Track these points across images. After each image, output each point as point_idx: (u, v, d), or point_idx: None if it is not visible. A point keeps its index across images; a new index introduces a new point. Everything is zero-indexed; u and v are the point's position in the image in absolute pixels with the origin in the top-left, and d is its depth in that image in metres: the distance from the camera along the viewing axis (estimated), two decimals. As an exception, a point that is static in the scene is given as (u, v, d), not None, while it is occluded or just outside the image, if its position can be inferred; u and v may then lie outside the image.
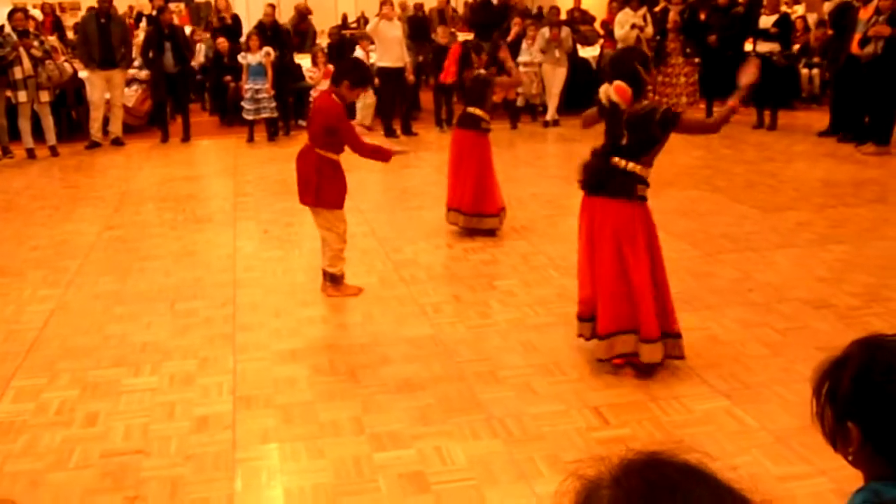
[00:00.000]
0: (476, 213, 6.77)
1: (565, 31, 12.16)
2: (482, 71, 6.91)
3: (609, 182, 4.13)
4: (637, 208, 4.14)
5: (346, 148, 5.38)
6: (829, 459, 2.83)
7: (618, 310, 4.16)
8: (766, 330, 4.86)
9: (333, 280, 5.57)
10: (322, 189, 5.35)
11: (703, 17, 12.16)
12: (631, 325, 4.16)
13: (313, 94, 11.50)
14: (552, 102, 12.34)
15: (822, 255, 6.23)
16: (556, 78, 12.19)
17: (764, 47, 11.37)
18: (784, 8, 12.08)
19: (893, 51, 9.57)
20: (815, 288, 5.53)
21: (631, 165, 4.10)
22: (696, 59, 12.17)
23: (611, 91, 4.11)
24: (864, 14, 9.99)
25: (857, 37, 9.95)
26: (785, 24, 11.60)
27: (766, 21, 11.50)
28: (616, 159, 4.12)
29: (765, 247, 6.43)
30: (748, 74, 4.27)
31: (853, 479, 1.50)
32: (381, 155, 5.50)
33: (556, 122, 12.34)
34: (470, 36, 14.50)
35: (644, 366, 4.22)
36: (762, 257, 6.18)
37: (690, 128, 4.27)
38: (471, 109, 6.80)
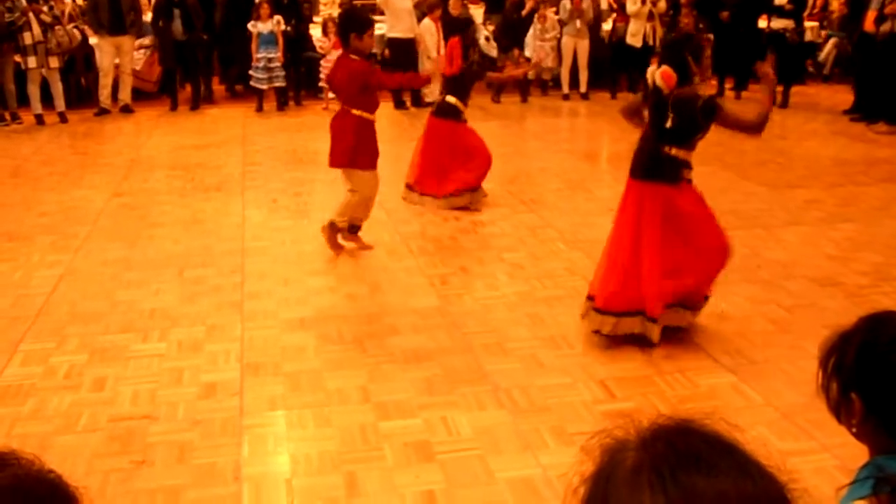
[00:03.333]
0: (445, 195, 6.93)
1: (587, 2, 12.06)
2: (474, 64, 7.06)
3: (658, 168, 4.20)
4: (682, 191, 4.24)
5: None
6: (833, 436, 2.84)
7: (665, 288, 4.24)
8: (773, 307, 4.85)
9: (332, 227, 5.66)
10: (359, 150, 5.45)
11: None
12: (676, 300, 4.29)
13: (324, 63, 11.44)
14: (582, 75, 12.24)
15: (830, 233, 6.21)
16: (581, 50, 12.07)
17: (778, 24, 11.29)
18: None
19: (908, 29, 9.48)
20: (823, 266, 5.52)
21: (675, 150, 4.17)
22: (709, 35, 12.05)
23: (657, 75, 4.17)
24: (880, -9, 9.89)
25: (872, 14, 9.85)
26: (799, 1, 11.50)
27: None
28: (664, 146, 4.18)
29: (774, 224, 6.41)
30: (766, 78, 4.31)
31: (857, 455, 1.50)
32: (417, 80, 6.08)
33: (585, 96, 12.28)
34: (481, 8, 14.39)
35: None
36: (771, 234, 6.16)
37: (731, 123, 4.23)
38: (449, 99, 6.84)
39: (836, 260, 5.65)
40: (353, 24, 5.43)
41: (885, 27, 9.61)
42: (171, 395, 3.96)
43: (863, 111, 10.42)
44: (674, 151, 4.18)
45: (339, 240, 5.75)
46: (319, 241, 5.87)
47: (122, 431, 3.65)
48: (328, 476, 3.32)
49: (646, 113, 4.38)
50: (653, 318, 4.24)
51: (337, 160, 5.56)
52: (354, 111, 5.43)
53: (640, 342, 4.36)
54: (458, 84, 6.89)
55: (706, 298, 4.45)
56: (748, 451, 0.91)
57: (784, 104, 11.38)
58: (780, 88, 11.45)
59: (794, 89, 11.67)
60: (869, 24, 9.88)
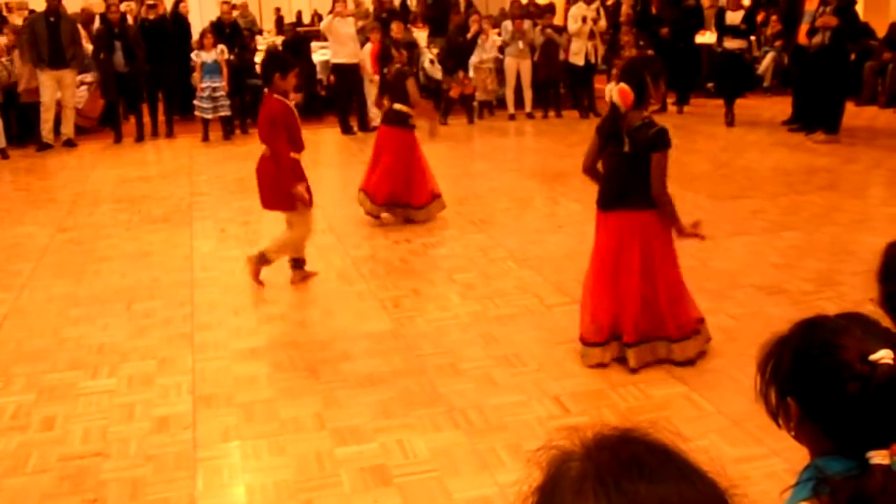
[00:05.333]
0: (398, 203, 7.02)
1: (528, 24, 12.23)
2: (399, 65, 7.02)
3: (626, 194, 4.15)
4: (655, 215, 4.19)
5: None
6: (781, 440, 2.88)
7: (648, 316, 4.23)
8: (721, 316, 4.93)
9: (261, 258, 5.60)
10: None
11: (654, 10, 12.29)
12: (662, 332, 4.25)
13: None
14: (526, 95, 12.36)
15: (774, 242, 6.34)
16: (524, 70, 12.22)
17: (732, 44, 11.29)
18: (746, 2, 12.02)
19: (840, 41, 9.75)
20: (768, 274, 5.63)
21: (639, 174, 4.10)
22: (649, 52, 12.29)
23: (614, 91, 4.09)
24: (810, 5, 10.17)
25: (805, 27, 10.13)
26: (751, 20, 11.55)
27: (732, 17, 11.32)
28: (625, 170, 4.13)
29: (719, 234, 6.51)
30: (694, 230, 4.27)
31: (806, 458, 1.53)
32: (290, 179, 5.38)
33: (530, 115, 12.41)
34: (425, 31, 14.51)
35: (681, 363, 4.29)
36: (717, 245, 6.25)
37: (658, 166, 4.09)
38: (396, 106, 6.89)
39: (780, 268, 5.76)
40: (276, 63, 5.49)
41: (817, 39, 9.88)
42: (123, 430, 3.89)
43: (801, 121, 10.67)
44: (634, 174, 4.12)
45: (260, 275, 5.64)
46: (270, 271, 5.82)
47: (74, 470, 3.57)
48: (285, 505, 3.29)
49: (599, 165, 4.33)
50: (627, 342, 4.23)
51: (273, 203, 5.53)
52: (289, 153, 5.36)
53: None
54: (394, 88, 6.95)
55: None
56: (690, 458, 0.93)
57: (731, 123, 11.32)
58: (722, 103, 11.69)
59: (735, 101, 11.88)
60: (802, 37, 10.15)
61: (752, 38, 12.61)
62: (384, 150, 6.99)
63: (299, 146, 5.47)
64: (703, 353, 4.38)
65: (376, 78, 11.30)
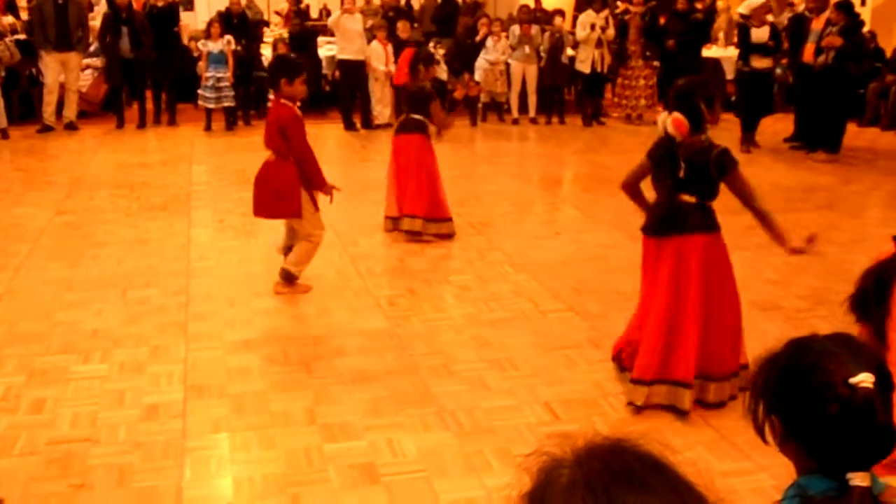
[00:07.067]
0: (433, 217, 6.65)
1: (535, 29, 12.25)
2: (427, 84, 6.76)
3: (684, 219, 3.94)
4: (721, 239, 4.04)
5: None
6: (769, 456, 2.89)
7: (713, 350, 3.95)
8: (715, 330, 4.93)
9: (288, 277, 5.45)
10: (300, 196, 5.23)
11: (662, 21, 12.29)
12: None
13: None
14: (531, 100, 12.40)
15: (771, 258, 6.33)
16: (529, 75, 12.24)
17: (760, 63, 10.50)
18: (770, 17, 11.25)
19: (843, 61, 9.77)
20: (763, 290, 5.64)
21: (697, 199, 3.93)
22: (656, 63, 12.31)
23: (668, 122, 3.88)
24: (817, 25, 10.19)
25: (810, 46, 10.14)
26: (776, 37, 10.66)
27: (758, 34, 10.44)
28: (684, 196, 3.93)
29: (716, 249, 6.52)
30: (811, 244, 4.00)
31: (793, 474, 1.55)
32: (317, 177, 5.33)
33: (534, 121, 12.43)
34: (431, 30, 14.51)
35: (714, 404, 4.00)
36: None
37: (738, 189, 3.99)
38: (414, 116, 6.69)
39: (776, 284, 5.78)
40: (284, 69, 5.27)
41: (821, 59, 9.90)
42: (113, 417, 3.89)
43: (803, 139, 10.66)
44: (693, 199, 3.94)
45: (279, 288, 5.45)
46: (266, 262, 5.83)
47: (61, 454, 3.57)
48: (272, 499, 3.29)
49: (647, 179, 4.13)
50: (688, 383, 3.90)
51: (275, 212, 5.35)
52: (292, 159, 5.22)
53: (579, 363, 4.42)
54: (414, 103, 6.71)
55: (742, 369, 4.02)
56: (679, 470, 0.94)
57: (749, 149, 10.54)
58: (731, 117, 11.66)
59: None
60: (808, 56, 10.17)
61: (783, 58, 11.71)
62: (409, 162, 6.67)
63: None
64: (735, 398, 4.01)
65: (381, 76, 11.33)
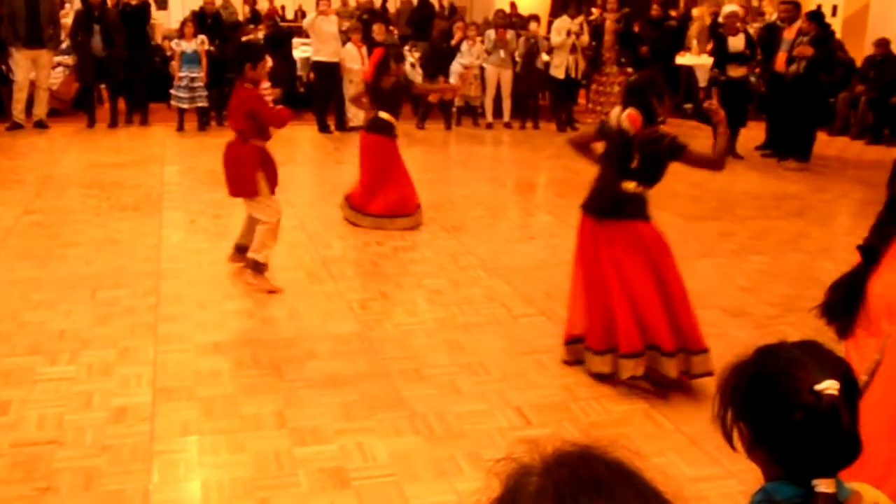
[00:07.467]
0: (398, 215, 7.01)
1: (510, 33, 12.29)
2: (396, 78, 7.02)
3: (623, 206, 4.20)
4: (655, 227, 4.30)
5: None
6: (737, 462, 2.91)
7: (647, 325, 4.18)
8: (686, 336, 4.96)
9: (256, 266, 5.50)
10: (258, 178, 5.40)
11: (636, 28, 12.38)
12: (653, 341, 4.18)
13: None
14: (505, 105, 12.44)
15: (742, 265, 6.41)
16: (504, 80, 12.28)
17: (737, 72, 10.55)
18: (740, 25, 10.88)
19: (814, 71, 9.90)
20: (734, 296, 5.69)
21: (641, 189, 4.21)
22: (630, 69, 12.39)
23: (623, 118, 4.15)
24: (789, 34, 10.31)
25: (782, 56, 10.26)
26: (752, 45, 10.75)
27: (735, 43, 10.52)
28: (626, 184, 4.18)
29: (688, 255, 6.55)
30: (716, 115, 4.17)
31: (760, 481, 1.56)
32: (286, 113, 5.65)
33: (508, 125, 12.46)
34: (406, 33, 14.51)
35: (660, 378, 4.24)
36: (684, 265, 6.25)
37: (694, 160, 4.26)
38: (382, 115, 6.89)
39: (746, 291, 5.83)
40: (248, 53, 5.60)
41: (793, 68, 10.02)
42: (80, 419, 3.84)
43: (774, 147, 10.78)
44: (637, 188, 4.20)
45: (249, 279, 5.51)
46: (237, 265, 5.79)
47: (26, 457, 3.52)
48: (241, 503, 3.27)
49: (595, 147, 4.44)
50: (669, 351, 4.14)
51: (237, 190, 5.52)
52: (253, 141, 5.41)
53: (550, 367, 4.43)
54: (388, 99, 6.96)
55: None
56: (648, 479, 0.94)
57: (733, 150, 10.35)
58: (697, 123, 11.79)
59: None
60: (779, 65, 10.28)
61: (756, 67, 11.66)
62: (372, 163, 7.07)
63: (266, 134, 5.49)
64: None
65: (358, 78, 11.31)
